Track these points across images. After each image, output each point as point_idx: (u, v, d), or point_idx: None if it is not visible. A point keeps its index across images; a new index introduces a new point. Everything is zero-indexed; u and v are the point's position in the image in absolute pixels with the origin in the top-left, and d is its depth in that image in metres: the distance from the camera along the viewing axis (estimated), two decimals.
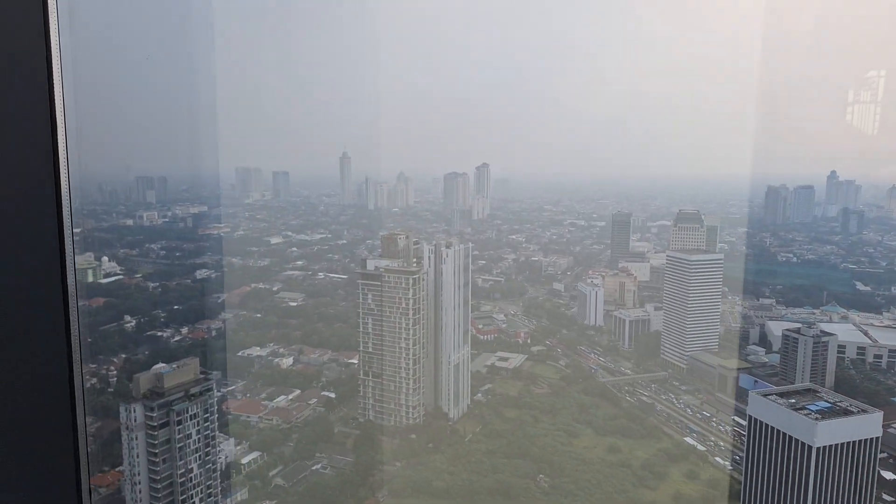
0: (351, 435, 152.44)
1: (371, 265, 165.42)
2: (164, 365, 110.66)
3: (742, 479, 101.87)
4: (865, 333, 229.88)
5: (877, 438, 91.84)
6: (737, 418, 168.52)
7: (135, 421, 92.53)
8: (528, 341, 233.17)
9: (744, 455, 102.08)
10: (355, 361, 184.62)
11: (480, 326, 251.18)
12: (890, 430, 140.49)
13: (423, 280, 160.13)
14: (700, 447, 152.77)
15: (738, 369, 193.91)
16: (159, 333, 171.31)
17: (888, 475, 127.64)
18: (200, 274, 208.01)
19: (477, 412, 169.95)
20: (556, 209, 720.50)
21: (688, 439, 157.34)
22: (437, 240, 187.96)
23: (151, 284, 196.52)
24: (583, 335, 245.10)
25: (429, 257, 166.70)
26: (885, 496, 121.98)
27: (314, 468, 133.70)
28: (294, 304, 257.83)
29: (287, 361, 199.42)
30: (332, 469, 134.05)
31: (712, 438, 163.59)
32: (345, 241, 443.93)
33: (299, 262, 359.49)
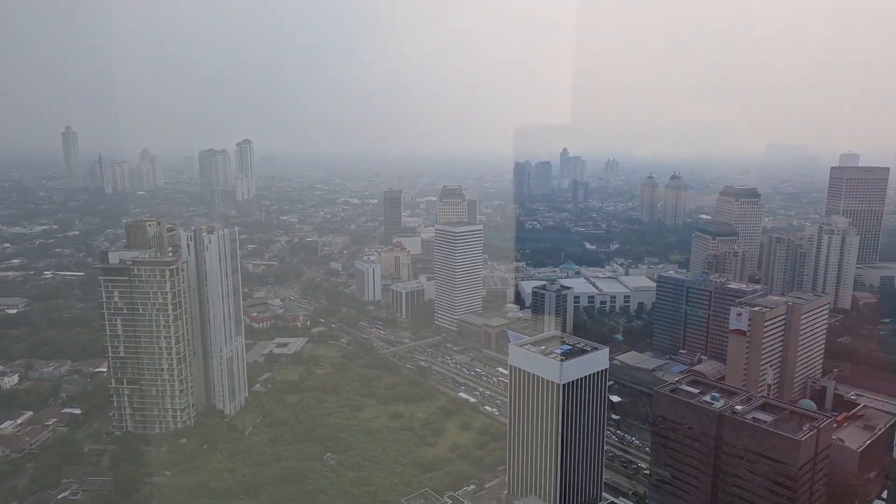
0: (106, 452, 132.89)
1: (115, 258, 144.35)
2: None
3: (507, 421, 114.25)
4: (594, 285, 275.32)
5: (605, 370, 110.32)
6: (501, 369, 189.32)
7: None
8: (308, 324, 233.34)
9: (508, 400, 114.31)
10: (104, 370, 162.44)
11: (255, 314, 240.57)
12: (614, 361, 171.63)
13: (183, 271, 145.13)
14: (472, 400, 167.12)
15: (500, 326, 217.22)
16: None
17: (614, 398, 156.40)
18: None
19: (256, 403, 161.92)
20: (328, 188, 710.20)
21: (461, 394, 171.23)
22: (197, 225, 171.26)
23: None
24: (363, 311, 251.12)
25: (188, 245, 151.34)
26: (613, 416, 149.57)
27: (61, 497, 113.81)
28: (13, 311, 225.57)
29: (10, 380, 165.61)
30: (84, 493, 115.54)
31: (481, 390, 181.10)
32: (77, 232, 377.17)
33: (15, 261, 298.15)
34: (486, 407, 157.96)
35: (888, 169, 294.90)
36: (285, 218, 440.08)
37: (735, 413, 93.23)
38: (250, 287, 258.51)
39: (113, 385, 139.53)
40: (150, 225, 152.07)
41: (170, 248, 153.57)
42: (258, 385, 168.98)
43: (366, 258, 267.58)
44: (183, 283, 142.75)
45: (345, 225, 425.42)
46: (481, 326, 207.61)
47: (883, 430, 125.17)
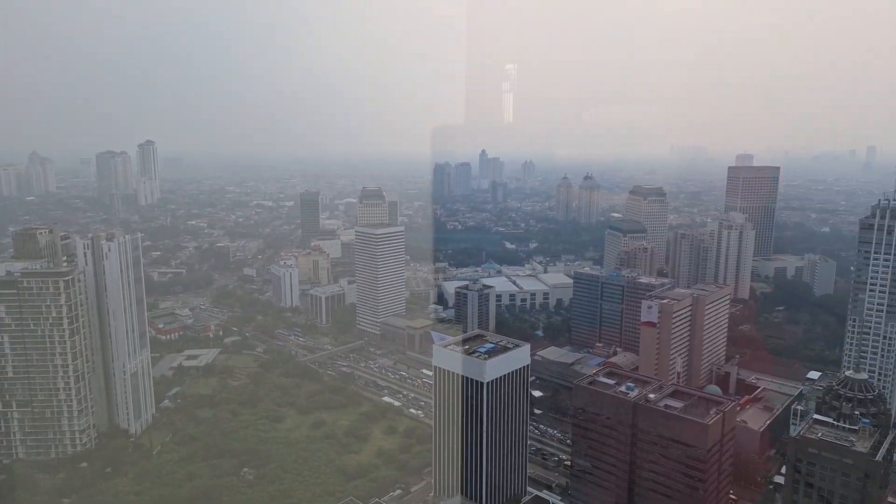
0: None
1: (1, 269, 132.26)
2: None
3: (433, 422, 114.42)
4: (514, 283, 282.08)
5: (527, 366, 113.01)
6: (425, 371, 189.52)
7: None
8: (221, 333, 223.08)
9: (433, 401, 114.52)
10: None
11: (161, 326, 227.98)
12: (536, 357, 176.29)
13: (80, 281, 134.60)
14: (396, 403, 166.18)
15: (424, 327, 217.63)
16: None
17: (537, 393, 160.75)
18: None
19: (165, 420, 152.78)
20: (240, 190, 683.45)
21: (386, 398, 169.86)
22: (95, 232, 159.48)
23: None
24: (280, 318, 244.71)
25: (84, 254, 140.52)
26: (535, 410, 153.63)
27: None
28: None
29: None
30: None
31: (406, 393, 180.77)
32: None
33: None
34: (412, 410, 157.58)
35: (779, 168, 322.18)
36: (193, 222, 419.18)
37: (648, 401, 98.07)
38: (156, 297, 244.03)
39: (0, 408, 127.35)
40: (41, 233, 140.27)
41: (64, 258, 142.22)
42: (167, 401, 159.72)
43: (282, 263, 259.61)
44: (80, 294, 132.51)
45: (259, 229, 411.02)
46: (405, 329, 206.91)
47: (780, 410, 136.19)
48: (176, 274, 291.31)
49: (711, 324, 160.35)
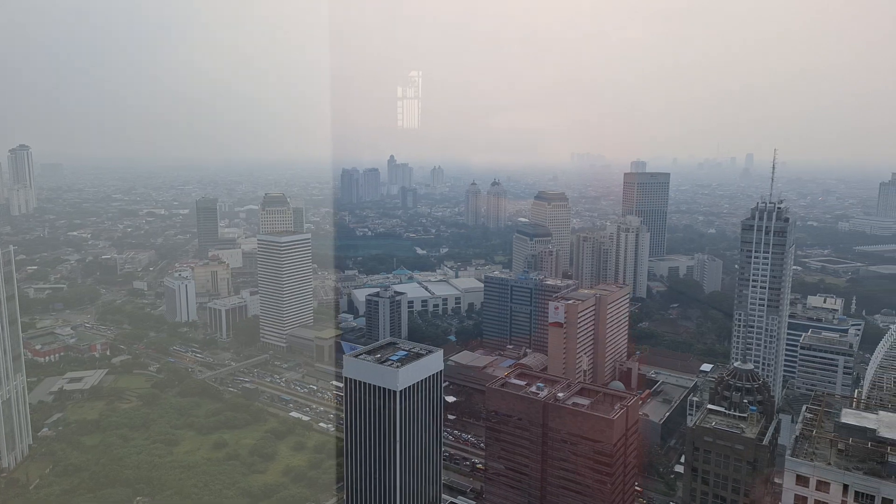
0: None
1: None
2: None
3: (344, 435, 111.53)
4: (426, 289, 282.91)
5: (440, 372, 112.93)
6: (335, 383, 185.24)
7: None
8: (108, 353, 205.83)
9: (343, 414, 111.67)
10: None
11: (39, 347, 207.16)
12: (449, 362, 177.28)
13: None
14: (305, 418, 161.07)
15: (333, 338, 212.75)
16: None
17: (450, 398, 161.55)
18: None
19: (44, 451, 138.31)
20: (128, 198, 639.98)
21: (294, 413, 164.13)
22: None
23: None
24: (175, 334, 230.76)
25: None
26: (449, 416, 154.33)
27: None
28: None
29: None
30: None
31: (315, 406, 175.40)
32: None
33: None
34: (321, 424, 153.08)
35: (669, 174, 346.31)
36: (75, 234, 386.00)
37: (557, 400, 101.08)
38: (32, 315, 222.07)
39: None
40: None
41: None
42: (46, 429, 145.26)
43: (177, 274, 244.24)
44: None
45: (150, 239, 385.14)
46: (313, 340, 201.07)
47: (678, 402, 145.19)
48: (55, 290, 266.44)
49: (613, 322, 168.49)
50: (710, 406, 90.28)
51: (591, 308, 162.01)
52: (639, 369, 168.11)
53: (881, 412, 67.64)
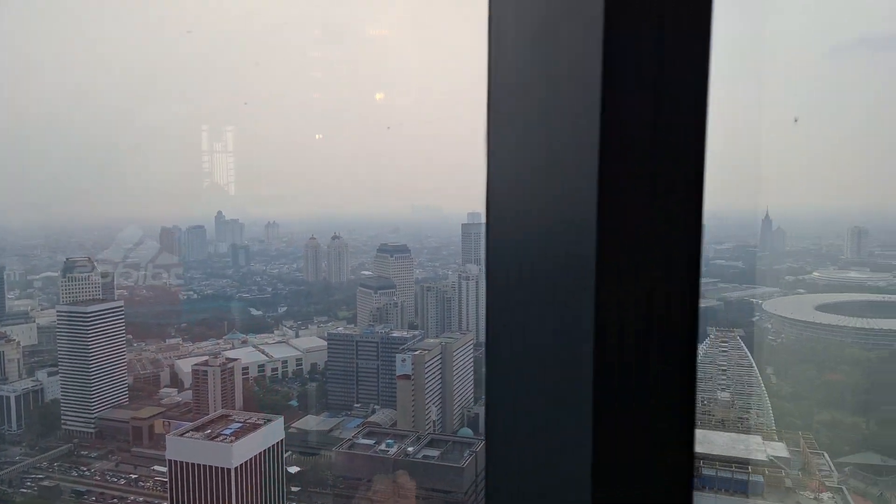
0: None
1: None
2: None
3: None
4: (263, 352, 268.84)
5: (282, 441, 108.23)
6: (158, 467, 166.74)
7: None
8: None
9: (167, 502, 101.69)
10: None
11: None
12: (291, 430, 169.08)
13: None
14: None
15: (154, 416, 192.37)
16: None
17: (293, 469, 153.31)
18: None
19: None
20: None
21: None
22: None
23: None
24: None
25: None
26: (293, 487, 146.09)
27: None
28: None
29: None
30: None
31: (133, 498, 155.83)
32: None
33: None
34: None
35: None
36: None
37: (408, 455, 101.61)
38: None
39: None
40: None
41: None
42: None
43: None
44: None
45: None
46: (129, 421, 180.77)
47: None
48: None
49: (460, 369, 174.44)
50: None
51: (438, 357, 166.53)
52: (485, 413, 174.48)
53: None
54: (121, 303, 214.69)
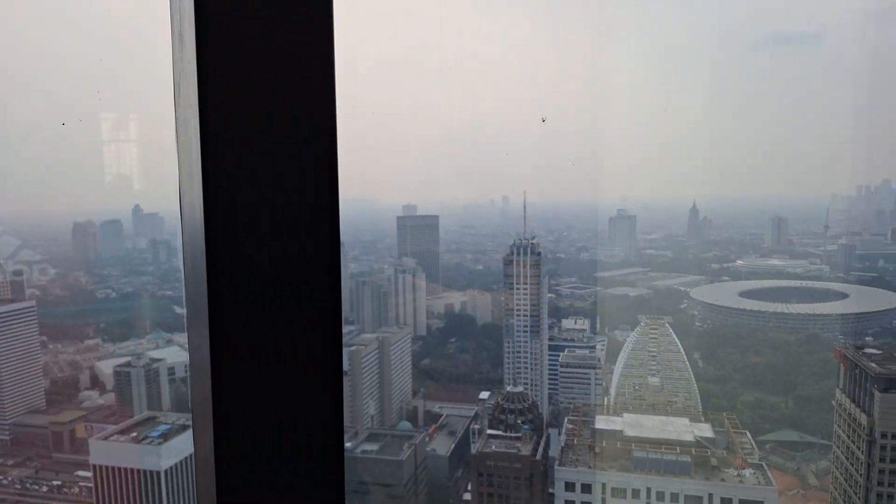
0: None
1: None
2: None
3: None
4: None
5: None
6: (82, 472, 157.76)
7: None
8: None
9: None
10: None
11: None
12: None
13: None
14: None
15: (75, 421, 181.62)
16: None
17: None
18: None
19: None
20: None
21: None
22: None
23: None
24: None
25: None
26: None
27: None
28: None
29: None
30: None
31: None
32: None
33: None
34: None
35: (437, 216, 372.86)
36: None
37: (347, 451, 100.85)
38: None
39: None
40: None
41: None
42: None
43: None
44: None
45: None
46: (47, 426, 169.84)
47: (462, 432, 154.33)
48: None
49: (397, 363, 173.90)
50: (489, 431, 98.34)
51: (375, 351, 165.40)
52: (424, 405, 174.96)
53: (626, 414, 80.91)
54: (32, 303, 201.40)
